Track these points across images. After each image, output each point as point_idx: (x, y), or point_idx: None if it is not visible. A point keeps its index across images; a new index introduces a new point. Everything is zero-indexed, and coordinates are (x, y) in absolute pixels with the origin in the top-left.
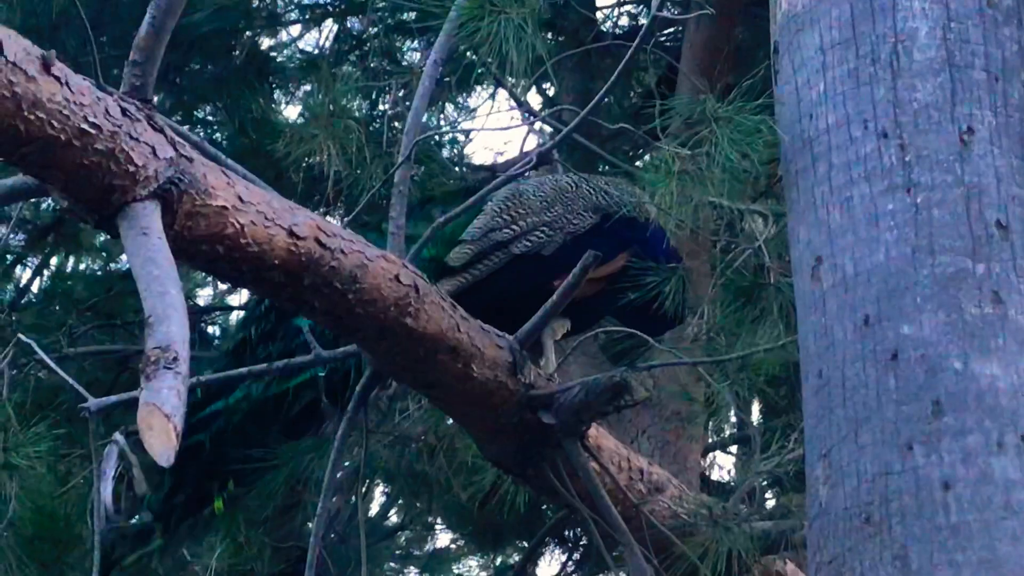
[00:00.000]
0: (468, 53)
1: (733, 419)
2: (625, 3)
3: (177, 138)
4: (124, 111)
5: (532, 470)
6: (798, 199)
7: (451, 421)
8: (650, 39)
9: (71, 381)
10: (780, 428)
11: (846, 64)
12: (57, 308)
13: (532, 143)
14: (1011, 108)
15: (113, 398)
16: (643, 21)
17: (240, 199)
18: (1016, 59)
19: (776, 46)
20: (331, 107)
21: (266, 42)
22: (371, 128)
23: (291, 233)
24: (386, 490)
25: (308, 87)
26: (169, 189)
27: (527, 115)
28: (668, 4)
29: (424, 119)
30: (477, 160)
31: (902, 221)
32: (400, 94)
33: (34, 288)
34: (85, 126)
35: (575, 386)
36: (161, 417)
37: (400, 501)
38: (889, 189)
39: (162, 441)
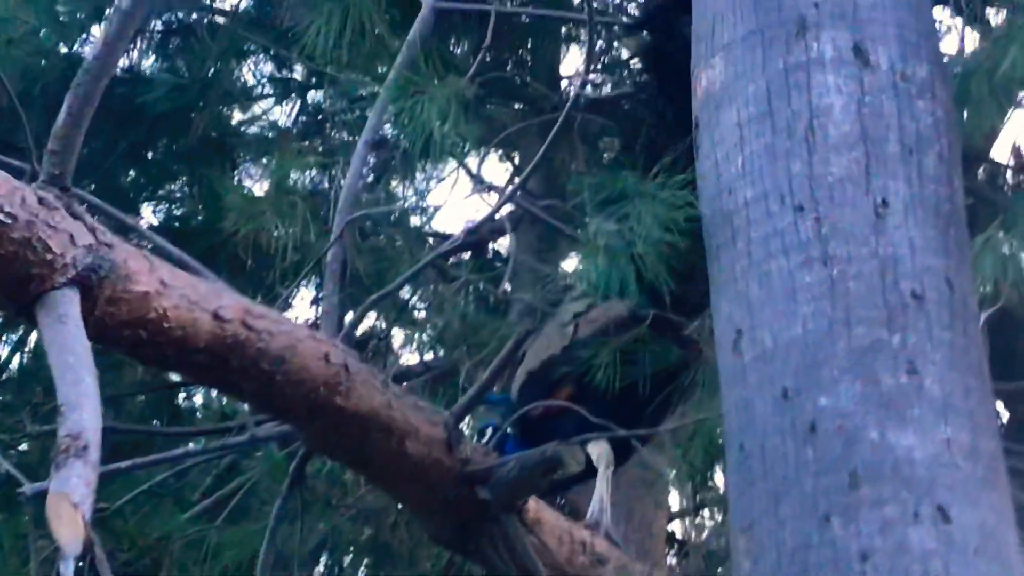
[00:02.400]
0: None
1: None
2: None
3: (97, 225)
4: (41, 200)
5: (472, 545)
6: (719, 273)
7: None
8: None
9: (6, 465)
10: None
11: (763, 138)
12: (37, 388)
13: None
14: (925, 179)
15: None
16: (607, 91)
17: (163, 283)
18: (931, 131)
19: (697, 122)
20: (278, 183)
21: (236, 116)
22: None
23: (216, 316)
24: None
25: (264, 163)
26: (88, 276)
27: (480, 186)
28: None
29: (382, 193)
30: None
31: (819, 294)
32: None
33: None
34: (1, 216)
35: (510, 461)
36: (69, 506)
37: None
38: (806, 262)
39: (71, 530)
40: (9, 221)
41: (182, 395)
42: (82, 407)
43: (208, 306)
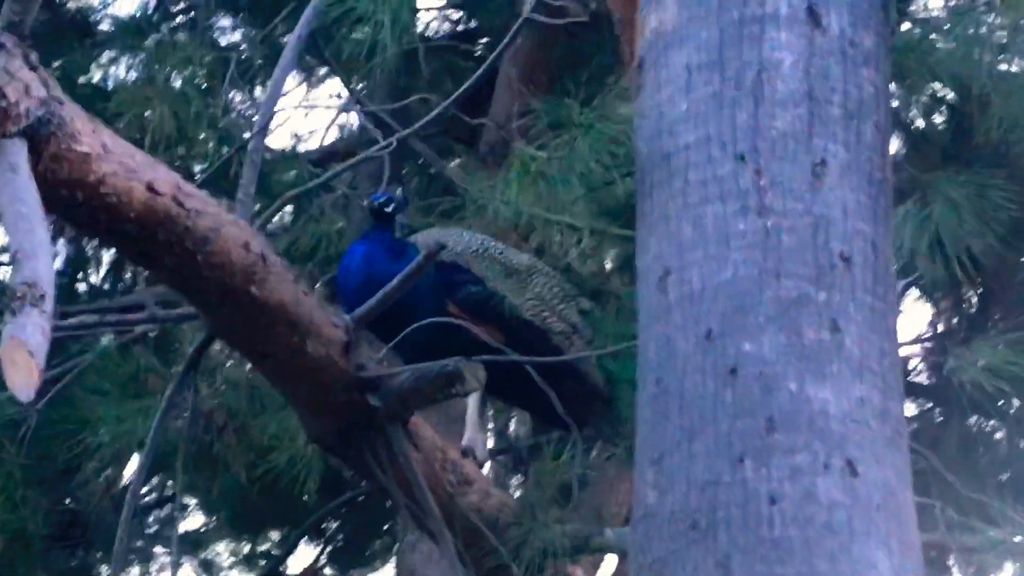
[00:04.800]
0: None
1: None
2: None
3: (50, 78)
4: (1, 46)
5: (352, 451)
6: (651, 211)
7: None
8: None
9: None
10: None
11: (711, 86)
12: None
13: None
14: (863, 147)
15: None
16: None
17: (104, 147)
18: (871, 100)
19: (641, 61)
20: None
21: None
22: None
23: (150, 187)
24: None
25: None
26: (39, 129)
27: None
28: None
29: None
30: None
31: (752, 242)
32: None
33: None
34: None
35: (405, 371)
36: (25, 354)
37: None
38: (742, 211)
39: (24, 377)
40: None
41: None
42: (37, 257)
43: (144, 177)
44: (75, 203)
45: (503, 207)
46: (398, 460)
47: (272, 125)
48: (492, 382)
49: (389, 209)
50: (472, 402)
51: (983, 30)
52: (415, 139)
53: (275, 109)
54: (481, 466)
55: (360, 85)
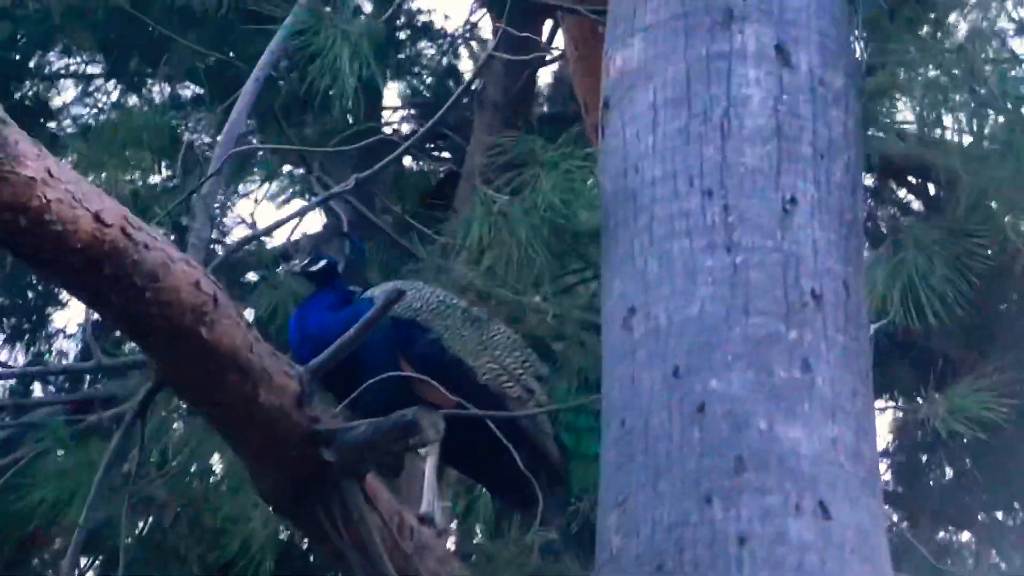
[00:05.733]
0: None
1: None
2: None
3: None
4: None
5: (304, 511)
6: (616, 250)
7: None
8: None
9: None
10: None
11: (677, 121)
12: None
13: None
14: (833, 186)
15: None
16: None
17: (49, 173)
18: (841, 140)
19: (607, 101)
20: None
21: None
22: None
23: (97, 218)
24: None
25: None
26: None
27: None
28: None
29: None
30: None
31: (720, 278)
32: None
33: None
34: None
35: (362, 424)
36: None
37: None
38: (709, 246)
39: None
40: None
41: None
42: None
43: (91, 206)
44: (17, 229)
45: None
46: (353, 520)
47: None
48: (447, 448)
49: (317, 268)
50: (430, 466)
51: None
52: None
53: (231, 150)
54: (440, 534)
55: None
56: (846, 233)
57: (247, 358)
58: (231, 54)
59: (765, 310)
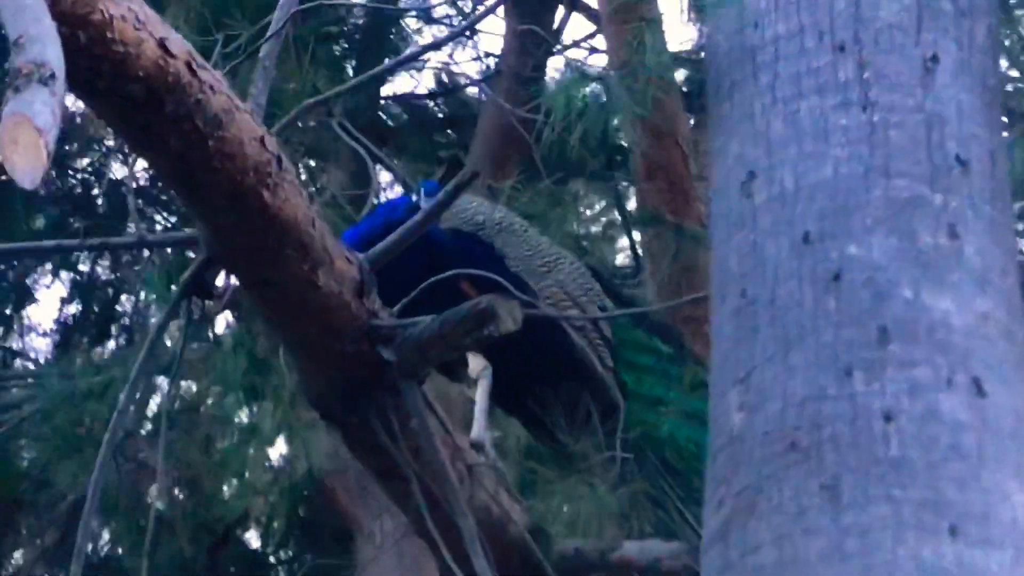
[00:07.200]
0: None
1: None
2: None
3: None
4: None
5: (356, 418)
6: (731, 112)
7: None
8: None
9: None
10: None
11: None
12: None
13: None
14: (975, 48)
15: None
16: None
17: None
18: (983, 2)
19: None
20: None
21: None
22: None
23: (162, 45)
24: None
25: None
26: None
27: None
28: None
29: None
30: None
31: (856, 138)
32: None
33: None
34: None
35: (426, 319)
36: (31, 130)
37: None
38: (843, 104)
39: (30, 159)
40: None
41: None
42: (45, 42)
43: (155, 32)
44: (77, 46)
45: None
46: (410, 426)
47: None
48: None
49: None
50: (482, 390)
51: None
52: None
53: (292, 10)
54: (490, 466)
55: None
56: (990, 100)
57: (308, 234)
58: None
59: (907, 172)
